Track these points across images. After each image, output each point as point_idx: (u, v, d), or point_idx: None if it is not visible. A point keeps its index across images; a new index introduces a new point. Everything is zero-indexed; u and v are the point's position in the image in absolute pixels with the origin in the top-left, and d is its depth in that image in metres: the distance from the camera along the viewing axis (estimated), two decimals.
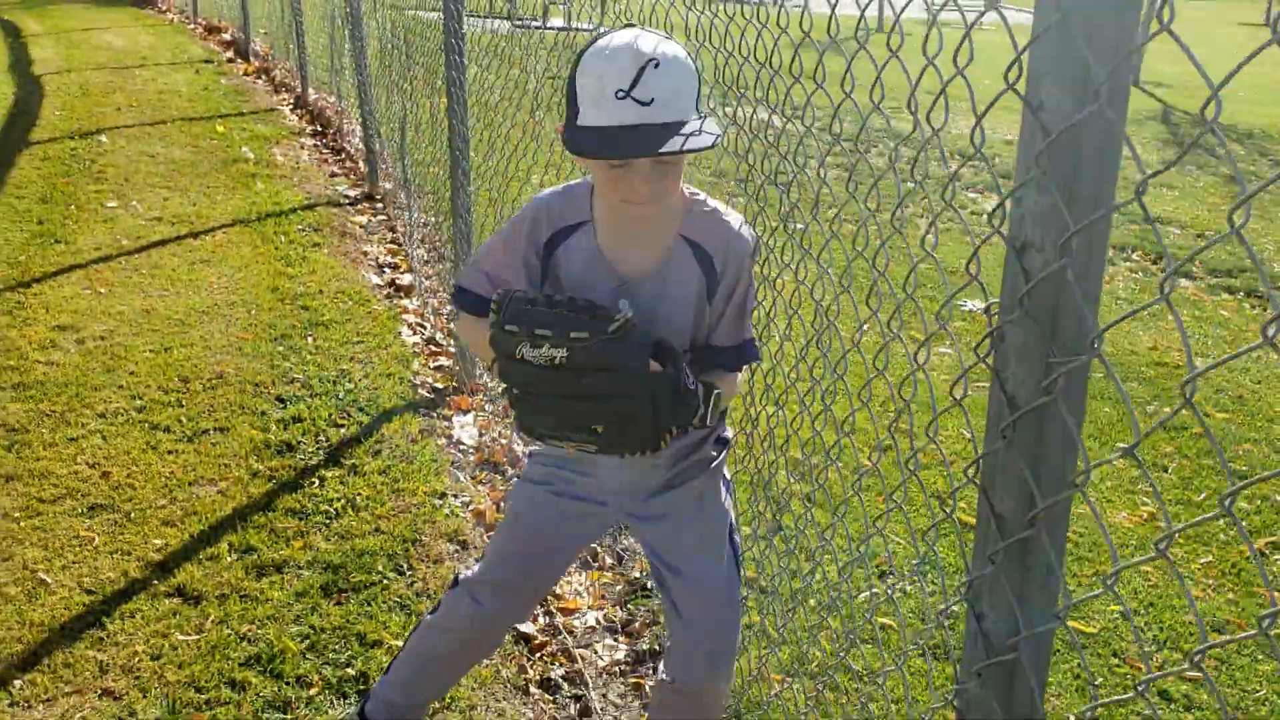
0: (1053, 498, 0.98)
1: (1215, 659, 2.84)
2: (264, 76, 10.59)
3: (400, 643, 2.66)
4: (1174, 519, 3.49)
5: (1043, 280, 0.94)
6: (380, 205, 6.53)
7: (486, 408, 3.97)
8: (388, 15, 6.56)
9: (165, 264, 5.26)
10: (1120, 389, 0.97)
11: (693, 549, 1.98)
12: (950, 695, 1.16)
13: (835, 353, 1.94)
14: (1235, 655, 2.86)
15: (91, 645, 2.61)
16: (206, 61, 11.45)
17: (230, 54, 11.99)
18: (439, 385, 4.12)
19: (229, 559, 2.96)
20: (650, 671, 2.67)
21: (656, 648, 2.74)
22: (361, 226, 6.12)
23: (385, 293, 5.08)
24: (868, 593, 2.91)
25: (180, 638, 2.64)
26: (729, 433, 2.07)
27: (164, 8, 16.34)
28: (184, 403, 3.84)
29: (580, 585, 3.00)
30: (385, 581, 2.90)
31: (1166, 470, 3.84)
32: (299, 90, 9.38)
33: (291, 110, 9.16)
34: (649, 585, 2.95)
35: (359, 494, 3.30)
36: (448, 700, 2.49)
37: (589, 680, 2.66)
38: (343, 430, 3.69)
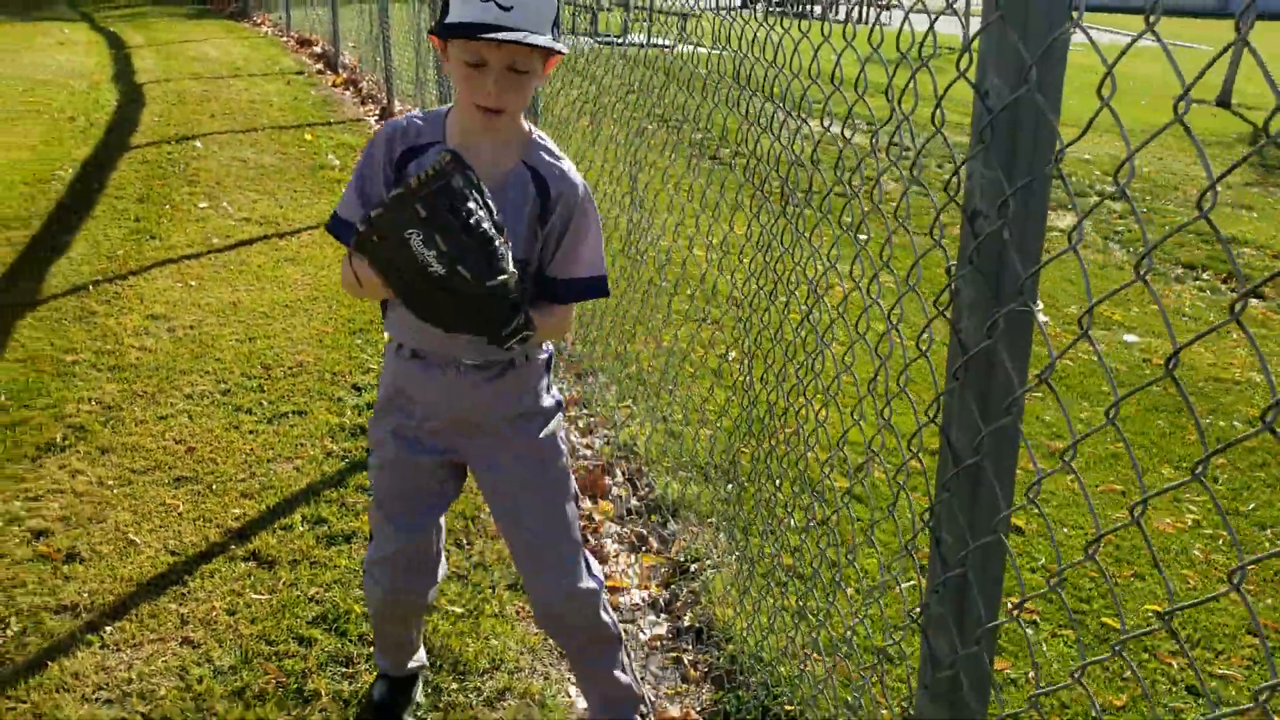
0: (995, 423, 1.11)
1: (1248, 659, 2.88)
2: (352, 88, 10.98)
3: (458, 610, 2.85)
4: (1219, 528, 3.53)
5: (988, 239, 1.07)
6: None
7: None
8: None
9: (252, 261, 5.55)
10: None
11: (531, 492, 2.14)
12: (916, 613, 1.29)
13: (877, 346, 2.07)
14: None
15: (174, 600, 2.83)
16: (297, 73, 11.90)
17: (320, 66, 12.44)
18: None
19: (301, 529, 3.17)
20: (689, 646, 2.81)
21: (698, 626, 2.88)
22: None
23: None
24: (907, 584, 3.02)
25: (254, 596, 2.85)
26: (548, 351, 2.18)
27: (258, 21, 16.97)
28: (265, 388, 4.08)
29: (628, 566, 3.15)
30: (446, 554, 3.08)
31: (1217, 481, 3.87)
32: (384, 102, 9.72)
33: (377, 121, 9.50)
34: (691, 567, 3.09)
35: None
36: (496, 661, 2.66)
37: (631, 652, 2.80)
38: None
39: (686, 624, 2.91)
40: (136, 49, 13.48)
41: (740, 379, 3.04)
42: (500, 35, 1.72)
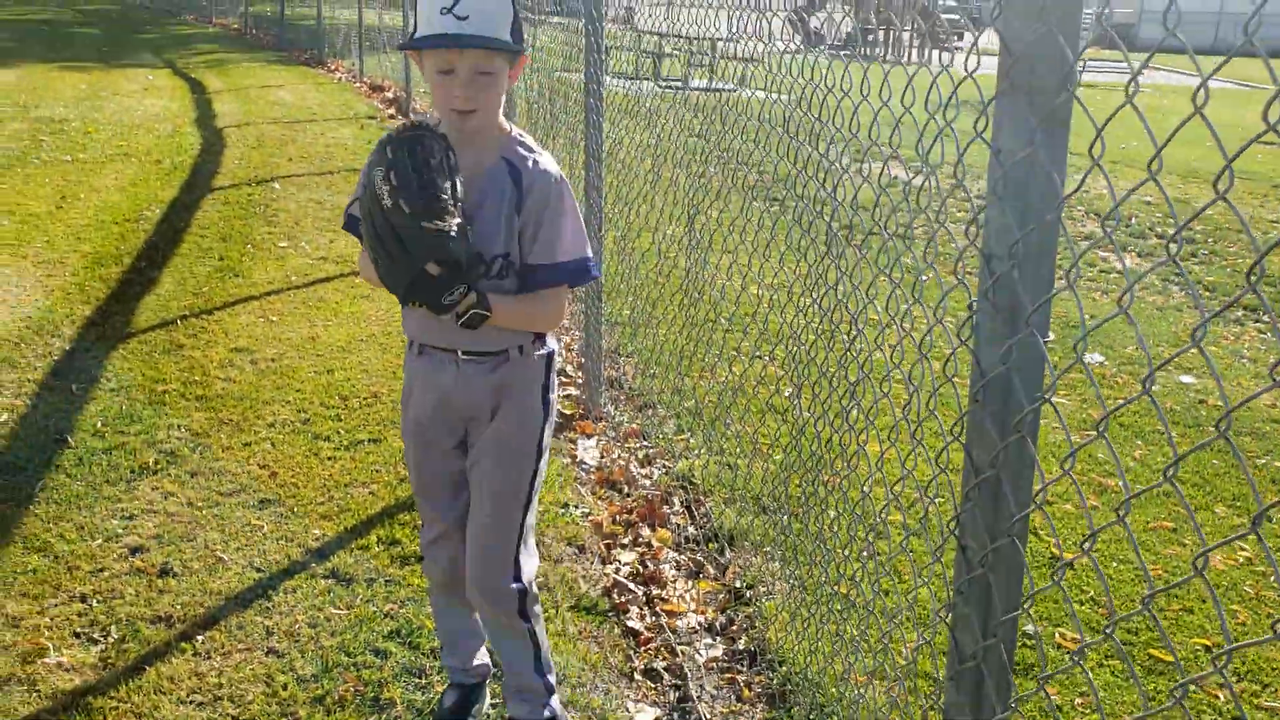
0: (1009, 439, 1.25)
1: None
2: None
3: None
4: (1270, 565, 3.57)
5: (1002, 278, 1.22)
6: None
7: (609, 433, 4.31)
8: (535, 77, 7.08)
9: (329, 298, 5.81)
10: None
11: (484, 494, 2.32)
12: (943, 613, 1.42)
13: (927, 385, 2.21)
14: None
15: (259, 613, 3.02)
16: (370, 117, 12.32)
17: (392, 111, 12.86)
18: (566, 412, 4.48)
19: (376, 549, 3.35)
20: (744, 668, 2.93)
21: (753, 649, 3.00)
22: None
23: None
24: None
25: (333, 611, 3.04)
26: (550, 348, 2.36)
27: (332, 67, 17.55)
28: (342, 417, 4.30)
29: (685, 591, 3.28)
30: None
31: (1272, 519, 3.90)
32: None
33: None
34: (746, 593, 3.21)
35: None
36: (559, 676, 2.80)
37: (688, 672, 2.93)
38: None
39: (741, 647, 3.03)
40: (216, 94, 14.03)
41: (792, 412, 3.18)
42: (455, 47, 1.99)
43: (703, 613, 3.20)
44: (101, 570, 3.18)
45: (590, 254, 2.27)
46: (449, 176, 2.03)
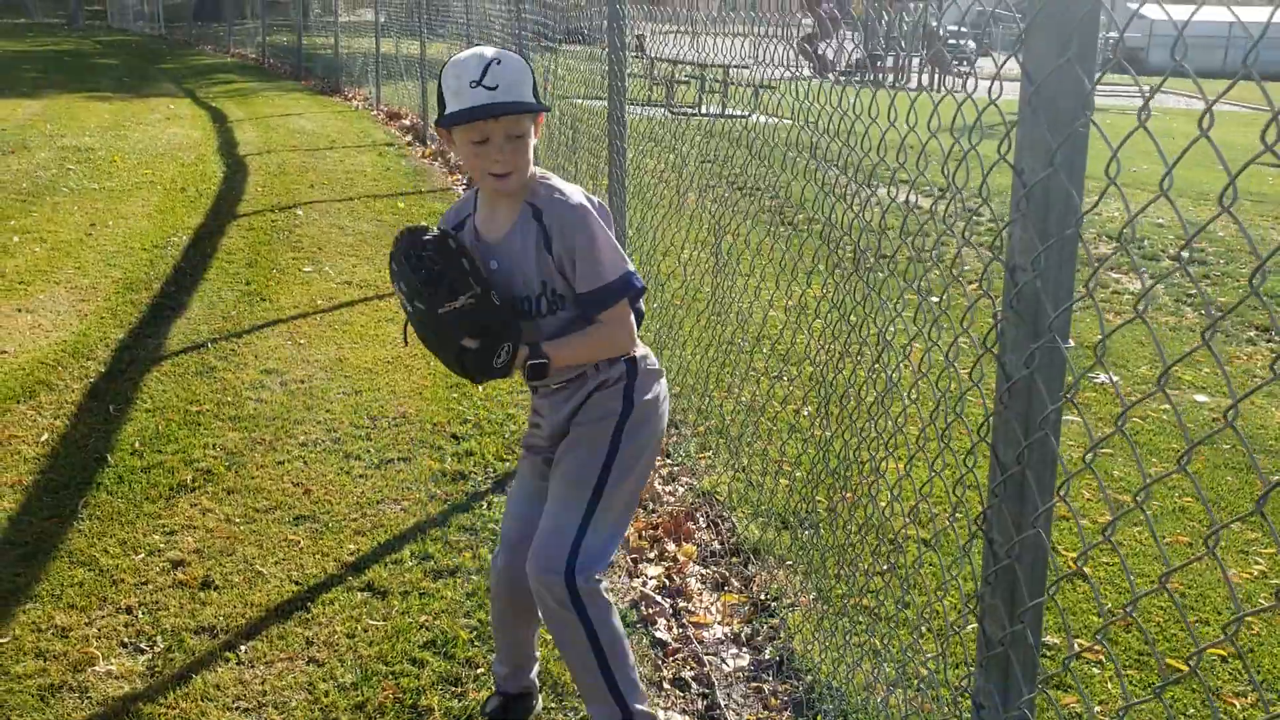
0: (1033, 437, 1.34)
1: None
2: (440, 159, 11.52)
3: None
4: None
5: (1025, 288, 1.31)
6: None
7: None
8: (556, 104, 7.22)
9: (355, 321, 5.94)
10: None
11: (560, 485, 2.42)
12: (969, 607, 1.50)
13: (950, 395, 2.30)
14: None
15: (299, 624, 3.12)
16: (388, 145, 12.51)
17: (410, 138, 13.05)
18: None
19: (410, 563, 3.45)
20: (769, 677, 3.01)
21: (779, 659, 3.08)
22: None
23: None
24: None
25: (370, 622, 3.13)
26: (640, 359, 2.44)
27: (350, 96, 17.80)
28: (372, 436, 4.40)
29: (711, 603, 3.36)
30: None
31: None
32: None
33: (464, 189, 9.97)
34: (771, 605, 3.29)
35: None
36: None
37: (715, 682, 3.01)
38: (507, 464, 4.18)
39: (767, 657, 3.11)
40: (238, 123, 14.26)
41: (814, 431, 3.27)
42: (493, 117, 2.13)
43: (728, 624, 3.28)
44: (145, 583, 3.28)
45: (630, 266, 2.35)
46: (452, 260, 2.19)
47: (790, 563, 3.47)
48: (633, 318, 2.38)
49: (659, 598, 3.36)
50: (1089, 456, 1.31)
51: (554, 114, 7.18)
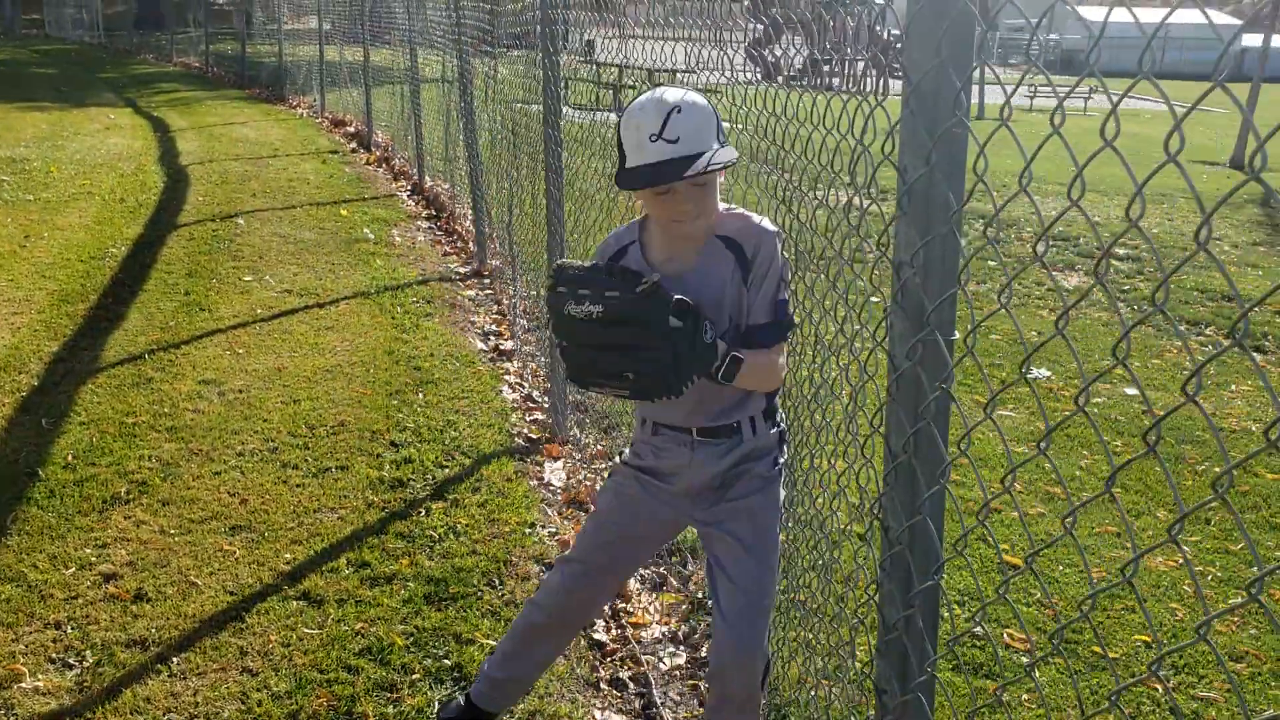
0: (915, 427, 1.38)
1: (1228, 685, 3.08)
2: (384, 165, 11.46)
3: (492, 643, 3.09)
4: (1209, 564, 3.73)
5: (908, 283, 1.35)
6: (488, 281, 7.13)
7: (574, 455, 4.42)
8: (497, 109, 7.22)
9: (295, 330, 5.89)
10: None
11: (740, 552, 2.30)
12: (873, 593, 1.54)
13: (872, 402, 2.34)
14: (1249, 682, 3.10)
15: (233, 634, 3.09)
16: (332, 152, 12.42)
17: (354, 145, 12.97)
18: (533, 436, 4.59)
19: (346, 571, 3.44)
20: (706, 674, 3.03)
21: None
22: (470, 299, 6.71)
23: (489, 356, 5.61)
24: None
25: (305, 631, 3.11)
26: (780, 425, 2.37)
27: (294, 104, 17.64)
28: (310, 445, 4.38)
29: (649, 604, 3.39)
30: (480, 593, 3.34)
31: (1209, 523, 4.07)
32: (416, 178, 10.17)
33: (409, 196, 9.94)
34: (708, 603, 3.32)
35: (459, 522, 3.76)
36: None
37: (653, 680, 3.03)
38: (447, 471, 4.18)
39: (704, 654, 3.14)
40: (180, 132, 14.09)
41: None
42: (679, 180, 2.00)
43: (666, 623, 3.30)
44: (75, 597, 3.24)
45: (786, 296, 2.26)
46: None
47: None
48: None
49: None
50: (963, 444, 1.34)
51: (496, 119, 7.18)
